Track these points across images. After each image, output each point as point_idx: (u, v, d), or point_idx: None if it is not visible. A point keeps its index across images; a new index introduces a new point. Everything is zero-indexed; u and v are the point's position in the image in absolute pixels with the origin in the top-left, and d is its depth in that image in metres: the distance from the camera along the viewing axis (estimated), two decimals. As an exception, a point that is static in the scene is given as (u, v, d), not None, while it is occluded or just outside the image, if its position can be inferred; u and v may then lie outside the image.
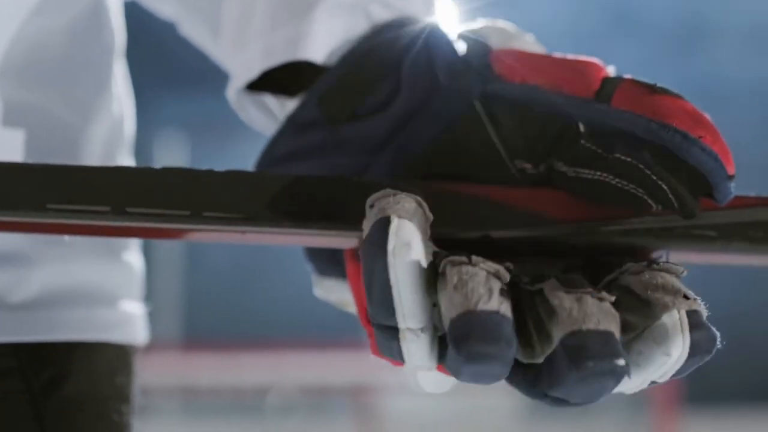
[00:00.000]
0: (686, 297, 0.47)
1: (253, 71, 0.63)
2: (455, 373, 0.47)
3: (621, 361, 0.45)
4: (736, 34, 10.68)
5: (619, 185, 0.50)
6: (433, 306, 0.47)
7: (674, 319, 0.46)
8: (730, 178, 0.50)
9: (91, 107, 0.73)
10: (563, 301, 0.46)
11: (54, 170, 0.51)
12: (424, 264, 0.47)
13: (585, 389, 0.45)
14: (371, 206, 0.49)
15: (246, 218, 0.52)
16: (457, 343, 0.45)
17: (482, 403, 6.55)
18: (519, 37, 0.59)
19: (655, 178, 0.50)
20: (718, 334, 0.47)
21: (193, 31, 0.73)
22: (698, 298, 0.48)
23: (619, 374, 0.45)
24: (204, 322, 9.95)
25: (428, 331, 0.47)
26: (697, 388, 7.09)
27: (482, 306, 0.45)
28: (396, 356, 0.49)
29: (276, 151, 0.61)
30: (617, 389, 0.47)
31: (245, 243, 0.55)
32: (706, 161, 0.49)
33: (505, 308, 0.46)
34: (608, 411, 6.83)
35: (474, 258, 0.47)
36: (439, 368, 0.50)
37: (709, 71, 10.18)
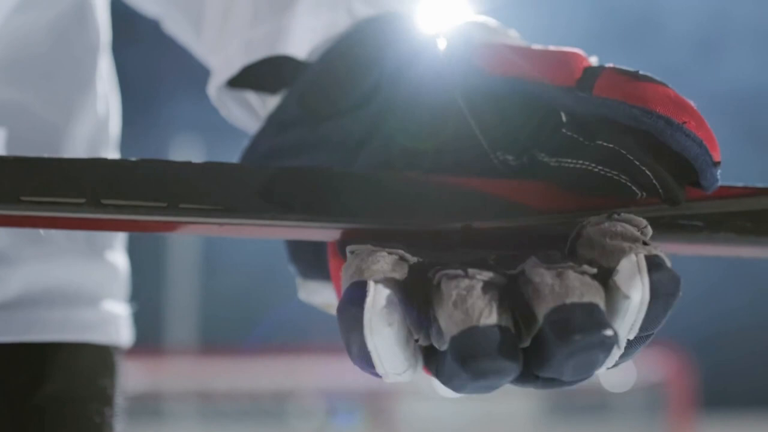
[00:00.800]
0: (645, 244, 0.46)
1: (234, 67, 0.63)
2: (457, 387, 0.46)
3: (609, 332, 0.44)
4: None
5: (603, 173, 0.49)
6: (431, 320, 0.46)
7: (632, 261, 0.45)
8: (716, 164, 0.49)
9: (74, 106, 0.72)
10: (544, 277, 0.45)
11: (28, 162, 0.51)
12: (402, 330, 0.46)
13: (575, 364, 0.44)
14: (351, 252, 0.49)
15: (223, 210, 0.51)
16: (464, 360, 0.44)
17: (498, 407, 6.54)
18: (501, 32, 0.58)
19: (638, 163, 0.49)
20: (680, 276, 0.46)
21: (177, 27, 0.73)
22: (659, 246, 0.46)
23: (608, 345, 0.44)
24: (220, 326, 9.96)
25: (411, 370, 0.47)
26: (713, 391, 7.08)
27: (484, 321, 0.44)
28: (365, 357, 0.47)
29: (257, 149, 0.60)
30: (607, 364, 0.46)
31: (223, 236, 0.54)
32: (691, 147, 0.49)
33: (506, 319, 0.45)
34: (624, 414, 6.81)
35: (470, 270, 0.46)
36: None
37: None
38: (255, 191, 0.51)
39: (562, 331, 0.44)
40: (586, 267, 0.46)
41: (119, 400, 0.74)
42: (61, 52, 0.72)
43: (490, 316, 0.44)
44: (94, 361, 0.72)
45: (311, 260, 0.60)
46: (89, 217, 0.51)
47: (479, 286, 0.45)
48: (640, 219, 0.48)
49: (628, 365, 6.05)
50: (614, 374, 6.12)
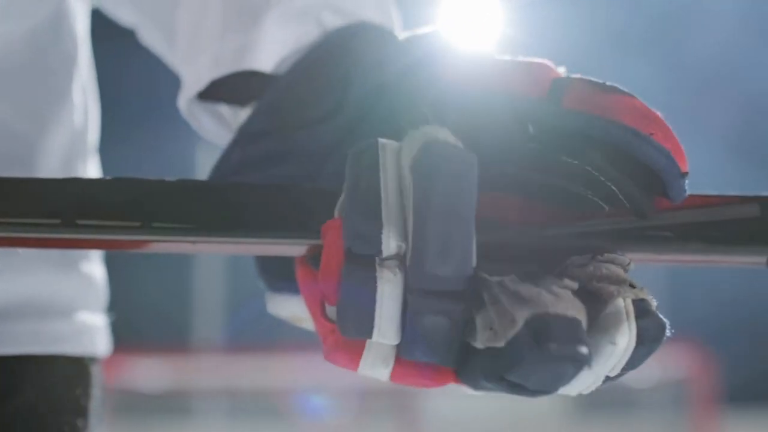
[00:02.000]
0: (632, 286, 0.47)
1: (203, 81, 0.63)
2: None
3: (584, 349, 0.44)
4: None
5: (568, 187, 0.50)
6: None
7: (619, 307, 0.46)
8: (683, 175, 0.49)
9: (48, 117, 0.72)
10: (530, 289, 0.46)
11: (2, 183, 0.51)
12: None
13: (544, 373, 0.45)
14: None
15: (196, 228, 0.52)
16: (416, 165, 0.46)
17: (524, 405, 6.52)
18: (469, 42, 0.58)
19: (604, 179, 0.49)
20: (667, 321, 0.47)
21: (151, 39, 0.73)
22: (645, 288, 0.47)
23: (579, 361, 0.44)
24: (247, 324, 9.98)
25: (403, 271, 0.47)
26: (737, 388, 7.04)
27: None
28: (365, 308, 0.47)
29: (229, 161, 0.60)
30: (574, 386, 0.47)
31: (198, 253, 0.54)
32: (658, 158, 0.49)
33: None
34: (649, 411, 6.79)
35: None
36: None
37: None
38: (226, 209, 0.51)
39: (540, 338, 0.44)
40: (567, 282, 0.46)
41: (96, 411, 0.73)
42: (35, 63, 0.71)
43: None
44: (67, 373, 0.72)
45: (279, 273, 0.59)
46: (65, 237, 0.52)
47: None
48: (623, 258, 0.49)
49: (651, 361, 6.04)
50: (636, 370, 6.11)
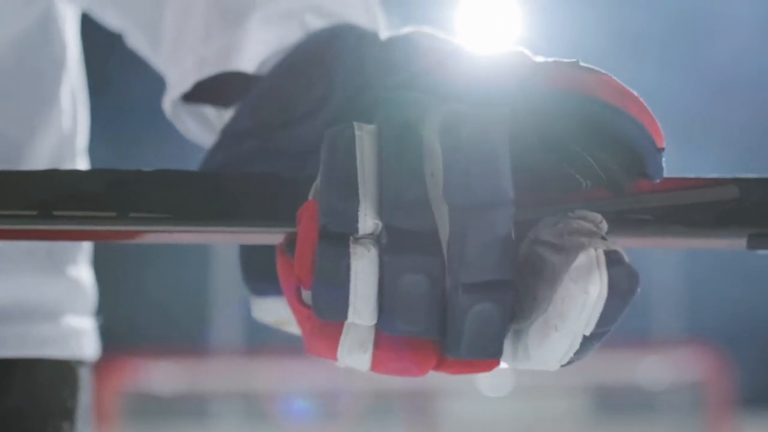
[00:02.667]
0: (603, 239, 0.46)
1: (187, 83, 0.63)
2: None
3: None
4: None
5: (546, 163, 0.49)
6: None
7: (590, 256, 0.45)
8: (660, 150, 0.49)
9: (37, 121, 0.72)
10: None
11: (-21, 176, 0.51)
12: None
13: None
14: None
15: (172, 217, 0.51)
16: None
17: (542, 406, 6.52)
18: (448, 39, 0.59)
19: (579, 149, 0.49)
20: (638, 272, 0.46)
21: (137, 42, 0.73)
22: (617, 243, 0.46)
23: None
24: (265, 327, 9.99)
25: (377, 247, 0.46)
26: (753, 391, 7.01)
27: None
28: (339, 286, 0.47)
29: (213, 162, 0.60)
30: (554, 350, 0.47)
31: (176, 242, 0.54)
32: (633, 132, 0.48)
33: None
34: (666, 413, 6.77)
35: None
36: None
37: None
38: (202, 198, 0.51)
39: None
40: None
41: (83, 414, 0.73)
42: (23, 67, 0.71)
43: None
44: (54, 376, 0.72)
45: (264, 275, 0.60)
46: (42, 228, 0.52)
47: None
48: (596, 214, 0.48)
49: (668, 363, 6.03)
50: (653, 372, 6.10)
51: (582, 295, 0.45)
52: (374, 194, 0.46)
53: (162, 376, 6.06)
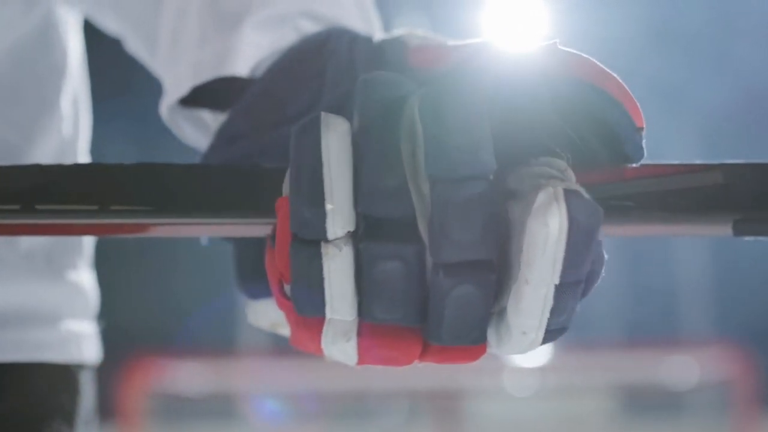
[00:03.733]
0: (563, 180, 0.46)
1: (183, 88, 0.63)
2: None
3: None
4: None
5: (532, 145, 0.49)
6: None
7: (548, 192, 0.45)
8: (639, 130, 0.49)
9: (36, 127, 0.73)
10: None
11: (-40, 171, 0.51)
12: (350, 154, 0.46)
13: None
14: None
15: (153, 210, 0.51)
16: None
17: (568, 406, 6.50)
18: (438, 39, 0.59)
19: (561, 123, 0.50)
20: (601, 208, 0.46)
21: (135, 47, 0.73)
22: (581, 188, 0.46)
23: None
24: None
25: (350, 246, 0.46)
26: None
27: None
28: (314, 286, 0.47)
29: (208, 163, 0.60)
30: (529, 305, 0.46)
31: (159, 236, 0.54)
32: (612, 111, 0.49)
33: None
34: (693, 412, 6.74)
35: None
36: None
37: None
38: (184, 190, 0.51)
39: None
40: None
41: (84, 417, 0.74)
42: (23, 74, 0.72)
43: None
44: (53, 380, 0.72)
45: (256, 277, 0.60)
46: (25, 222, 0.52)
47: None
48: (560, 161, 0.48)
49: (695, 363, 6.02)
50: (680, 372, 6.07)
51: (543, 230, 0.44)
52: (344, 197, 0.46)
53: (189, 376, 6.08)
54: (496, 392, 6.44)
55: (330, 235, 0.46)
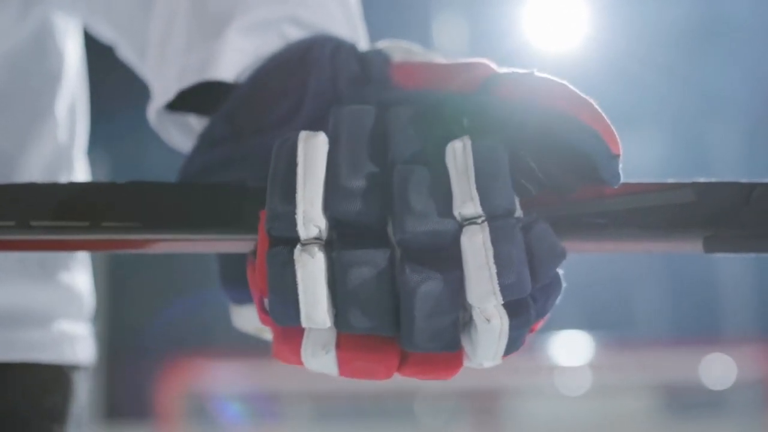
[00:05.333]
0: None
1: (170, 92, 0.64)
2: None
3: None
4: None
5: None
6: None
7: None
8: (614, 157, 0.49)
9: (30, 134, 0.74)
10: None
11: (-44, 188, 0.53)
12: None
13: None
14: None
15: (142, 227, 0.53)
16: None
17: (612, 405, 6.47)
18: (423, 53, 0.60)
19: (528, 160, 0.50)
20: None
21: (126, 54, 0.74)
22: None
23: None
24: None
25: (324, 252, 0.47)
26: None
27: None
28: (288, 294, 0.48)
29: (192, 166, 0.61)
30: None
31: (149, 252, 0.56)
32: (585, 139, 0.49)
33: None
34: (730, 412, 6.69)
35: None
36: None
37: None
38: (172, 207, 0.53)
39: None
40: None
41: (76, 418, 0.75)
42: (16, 82, 0.73)
43: None
44: (43, 380, 0.73)
45: (241, 284, 0.60)
46: (20, 239, 0.53)
47: None
48: None
49: (736, 361, 5.97)
50: (720, 371, 6.03)
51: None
52: (314, 194, 0.47)
53: (227, 376, 6.10)
54: (538, 391, 6.42)
55: (301, 233, 0.47)
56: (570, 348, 6.21)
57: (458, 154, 0.47)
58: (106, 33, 0.75)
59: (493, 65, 0.55)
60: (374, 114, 0.49)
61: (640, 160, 7.03)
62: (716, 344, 6.41)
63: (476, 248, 0.47)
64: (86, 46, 0.82)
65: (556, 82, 0.50)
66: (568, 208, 0.51)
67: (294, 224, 0.47)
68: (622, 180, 0.51)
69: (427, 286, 0.47)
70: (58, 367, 0.74)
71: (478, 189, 0.47)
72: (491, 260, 0.46)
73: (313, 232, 0.48)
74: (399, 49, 0.60)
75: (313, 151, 0.48)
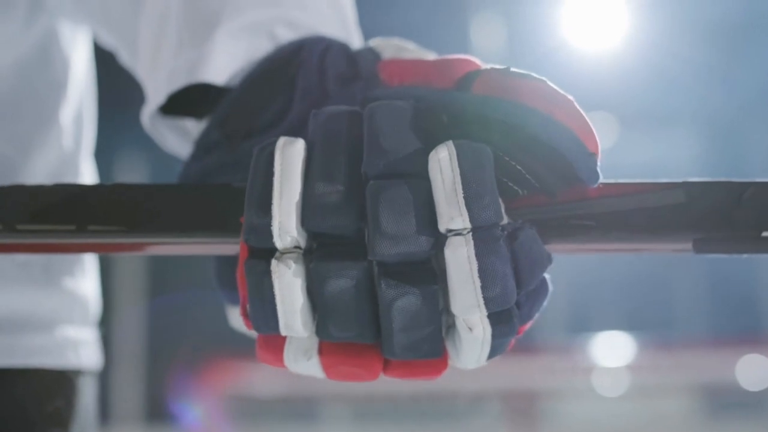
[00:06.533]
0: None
1: (161, 96, 0.64)
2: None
3: None
4: None
5: None
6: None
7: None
8: (591, 155, 0.49)
9: (34, 141, 0.74)
10: None
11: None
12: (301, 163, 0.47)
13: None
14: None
15: (128, 230, 0.53)
16: None
17: (652, 405, 6.44)
18: (414, 51, 0.59)
19: (507, 158, 0.49)
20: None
21: (125, 59, 0.74)
22: None
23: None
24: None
25: (301, 263, 0.47)
26: None
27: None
28: (267, 303, 0.48)
29: (188, 173, 0.61)
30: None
31: (136, 255, 0.55)
32: (560, 137, 0.48)
33: None
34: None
35: None
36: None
37: None
38: (158, 210, 0.52)
39: None
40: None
41: (81, 422, 0.74)
42: (21, 91, 0.73)
43: None
44: (47, 385, 0.73)
45: (235, 284, 0.60)
46: (6, 242, 0.53)
47: None
48: None
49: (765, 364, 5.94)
50: (754, 372, 5.99)
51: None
52: (289, 205, 0.47)
53: (266, 378, 6.11)
54: (577, 392, 6.40)
55: (278, 244, 0.47)
56: (609, 349, 6.19)
57: (444, 167, 0.46)
58: (105, 40, 0.75)
59: (477, 61, 0.54)
60: (350, 116, 0.49)
61: (678, 160, 6.99)
62: (754, 345, 6.37)
63: (460, 262, 0.46)
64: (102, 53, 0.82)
65: (533, 79, 0.50)
66: (555, 210, 0.50)
67: (270, 236, 0.47)
68: (630, 179, 0.50)
69: (404, 301, 0.47)
70: (61, 372, 0.74)
71: (467, 205, 0.46)
72: (476, 274, 0.46)
73: (290, 243, 0.47)
74: (390, 46, 0.59)
75: (289, 161, 0.47)
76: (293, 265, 0.47)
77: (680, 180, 0.50)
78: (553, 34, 7.07)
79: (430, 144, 0.49)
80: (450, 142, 0.47)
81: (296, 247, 0.47)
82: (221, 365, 5.91)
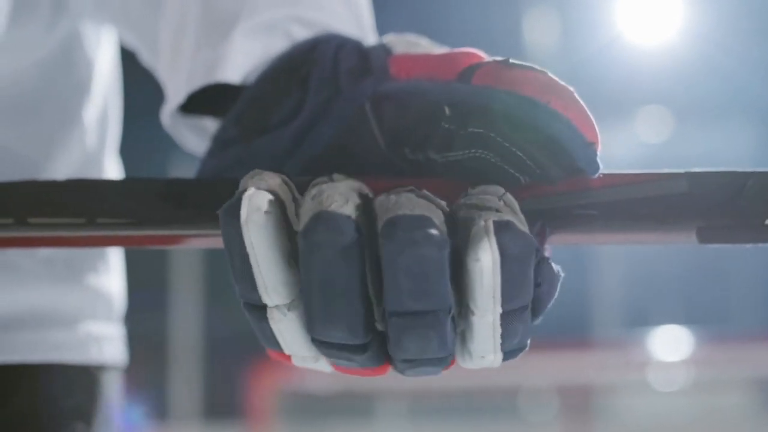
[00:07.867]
0: (498, 211, 0.46)
1: (180, 95, 0.65)
2: (307, 278, 0.46)
3: (435, 231, 0.44)
4: None
5: (478, 157, 0.50)
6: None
7: (479, 226, 0.45)
8: (590, 144, 0.49)
9: (56, 142, 0.75)
10: (382, 200, 0.46)
11: (-44, 185, 0.54)
12: (283, 237, 0.47)
13: (405, 266, 0.44)
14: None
15: (136, 223, 0.53)
16: (305, 234, 0.45)
17: (710, 400, 6.39)
18: (425, 46, 0.60)
19: (508, 145, 0.49)
20: (533, 238, 0.46)
21: (146, 59, 0.75)
22: (514, 217, 0.46)
23: (434, 240, 0.44)
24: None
25: (297, 309, 0.48)
26: None
27: (335, 209, 0.45)
28: (271, 341, 0.49)
29: (206, 169, 0.62)
30: (476, 342, 0.47)
31: (146, 248, 0.56)
32: (558, 127, 0.49)
33: (360, 217, 0.46)
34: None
35: (336, 175, 0.48)
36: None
37: None
38: (166, 203, 0.53)
39: (389, 232, 0.44)
40: (425, 192, 0.47)
41: (104, 418, 0.75)
42: (44, 92, 0.74)
43: (342, 207, 0.45)
44: (70, 381, 0.74)
45: None
46: (18, 236, 0.54)
47: (342, 185, 0.47)
48: (497, 187, 0.48)
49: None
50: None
51: (476, 264, 0.45)
52: (275, 280, 0.47)
53: (319, 374, 6.14)
54: (635, 387, 6.37)
55: (267, 302, 0.48)
56: (665, 343, 6.15)
57: (486, 272, 0.45)
58: (126, 40, 0.77)
59: (481, 54, 0.55)
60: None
61: (733, 152, 6.93)
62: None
63: (485, 328, 0.47)
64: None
65: (532, 70, 0.50)
66: (558, 200, 0.50)
67: (259, 299, 0.48)
68: (635, 171, 0.50)
69: (417, 334, 0.46)
70: (85, 368, 0.75)
71: (502, 306, 0.46)
72: (498, 336, 0.47)
73: (280, 301, 0.48)
74: (403, 42, 0.60)
75: (259, 235, 0.46)
76: (288, 313, 0.48)
77: (683, 170, 0.50)
78: (607, 28, 7.04)
79: (431, 138, 0.50)
80: (493, 239, 0.45)
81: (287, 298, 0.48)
82: (275, 362, 5.93)
